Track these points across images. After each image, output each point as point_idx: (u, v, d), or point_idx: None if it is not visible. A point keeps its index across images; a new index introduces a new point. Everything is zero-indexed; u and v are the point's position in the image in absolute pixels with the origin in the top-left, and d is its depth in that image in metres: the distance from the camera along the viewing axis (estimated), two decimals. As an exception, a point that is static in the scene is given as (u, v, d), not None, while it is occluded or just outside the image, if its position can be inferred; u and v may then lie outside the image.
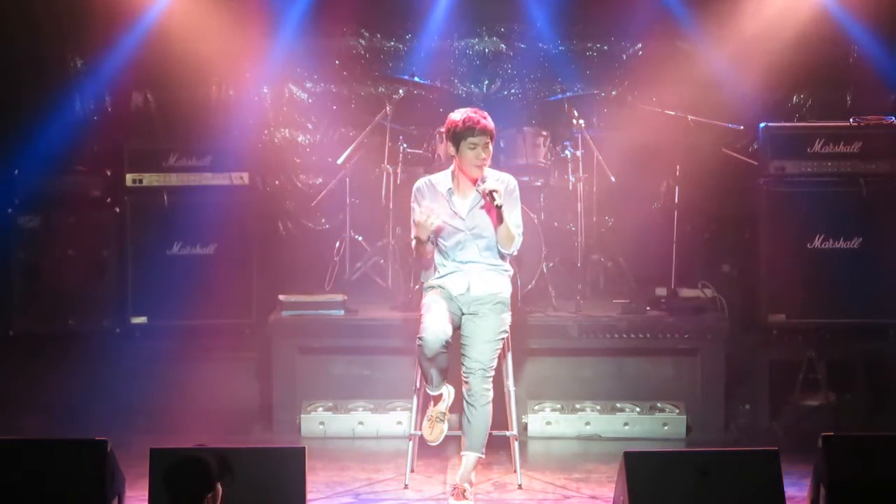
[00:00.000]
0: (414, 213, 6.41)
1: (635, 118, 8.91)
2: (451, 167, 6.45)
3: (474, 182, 6.35)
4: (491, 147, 6.34)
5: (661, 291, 8.22)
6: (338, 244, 8.91)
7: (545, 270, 8.15)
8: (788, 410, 7.96)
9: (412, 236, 6.40)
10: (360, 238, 8.90)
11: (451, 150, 6.36)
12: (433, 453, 6.99)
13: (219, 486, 4.78)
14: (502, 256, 6.44)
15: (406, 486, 6.58)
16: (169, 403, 7.77)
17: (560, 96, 8.81)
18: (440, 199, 6.41)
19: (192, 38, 8.75)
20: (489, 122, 6.32)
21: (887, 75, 8.78)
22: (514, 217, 6.37)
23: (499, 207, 6.24)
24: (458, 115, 6.35)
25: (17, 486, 5.38)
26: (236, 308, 8.11)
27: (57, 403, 7.79)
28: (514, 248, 6.41)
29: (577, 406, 7.78)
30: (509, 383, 6.65)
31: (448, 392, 6.48)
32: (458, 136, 6.30)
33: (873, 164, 8.02)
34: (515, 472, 6.63)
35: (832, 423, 7.35)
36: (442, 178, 6.48)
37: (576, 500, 6.45)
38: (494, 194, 6.22)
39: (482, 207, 6.36)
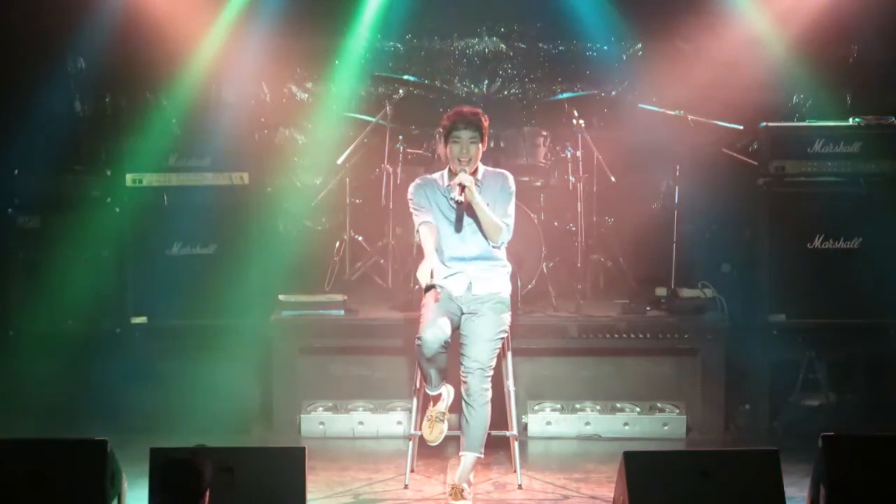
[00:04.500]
0: (414, 211, 6.43)
1: (635, 118, 8.92)
2: (449, 165, 6.45)
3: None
4: (479, 146, 6.31)
5: (661, 291, 8.22)
6: (338, 244, 8.92)
7: (545, 270, 8.15)
8: (788, 410, 7.96)
9: (416, 230, 6.43)
10: (360, 238, 8.91)
11: (443, 144, 6.39)
12: (433, 453, 6.99)
13: (208, 494, 4.78)
14: (496, 249, 6.44)
15: (406, 486, 6.58)
16: (169, 403, 7.77)
17: (560, 96, 8.81)
18: (438, 195, 6.41)
19: (192, 38, 8.75)
20: (478, 118, 6.30)
21: (887, 75, 8.78)
22: (504, 209, 6.36)
23: (459, 203, 6.23)
24: (451, 110, 6.40)
25: (17, 486, 5.38)
26: (236, 308, 8.09)
27: (57, 403, 7.79)
28: (502, 240, 6.40)
29: (577, 406, 7.78)
30: (509, 383, 6.65)
31: (447, 392, 6.48)
32: (446, 129, 6.35)
33: (873, 164, 8.02)
34: (515, 472, 6.63)
35: (832, 423, 7.35)
36: (438, 176, 6.49)
37: (576, 500, 6.45)
38: (463, 188, 6.19)
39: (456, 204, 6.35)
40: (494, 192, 6.36)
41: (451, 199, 6.28)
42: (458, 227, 6.39)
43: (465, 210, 6.33)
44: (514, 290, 6.80)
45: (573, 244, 8.48)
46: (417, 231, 6.44)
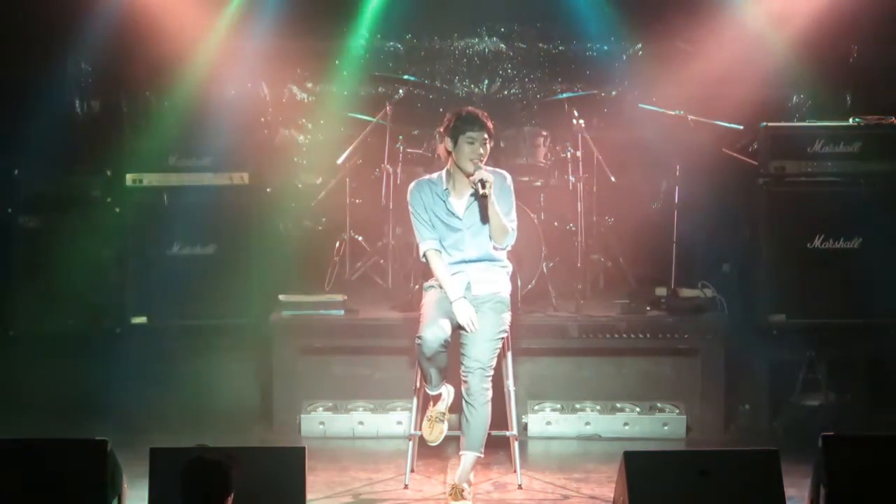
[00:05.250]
0: (414, 216, 6.41)
1: (635, 118, 8.92)
2: (447, 167, 6.44)
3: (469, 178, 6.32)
4: (489, 147, 6.33)
5: (661, 291, 8.22)
6: (338, 244, 8.91)
7: (545, 270, 8.15)
8: (788, 410, 7.96)
9: (421, 253, 6.43)
10: (360, 238, 8.91)
11: (449, 144, 6.33)
12: (433, 453, 6.99)
13: (231, 499, 4.80)
14: (498, 250, 6.44)
15: (406, 486, 6.58)
16: (169, 403, 7.78)
17: (560, 96, 8.81)
18: (437, 200, 6.40)
19: (192, 38, 8.75)
20: (488, 119, 6.33)
21: (887, 75, 8.78)
22: (504, 210, 6.34)
23: (484, 197, 6.21)
24: (458, 110, 6.38)
25: (17, 486, 5.38)
26: (236, 308, 8.10)
27: (57, 403, 7.79)
28: (507, 243, 6.39)
29: (577, 406, 7.78)
30: (509, 383, 6.65)
31: (447, 392, 6.48)
32: (457, 129, 6.29)
33: (873, 164, 8.02)
34: (515, 472, 6.63)
35: (832, 423, 7.35)
36: (437, 179, 6.47)
37: (576, 500, 6.46)
38: (486, 183, 6.18)
39: (476, 199, 6.33)
40: (494, 192, 6.34)
41: (473, 195, 6.27)
42: (483, 218, 6.34)
43: (480, 208, 6.31)
44: (514, 290, 6.80)
45: (573, 244, 8.48)
46: (423, 255, 6.43)
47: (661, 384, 7.87)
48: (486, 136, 6.29)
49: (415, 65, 9.61)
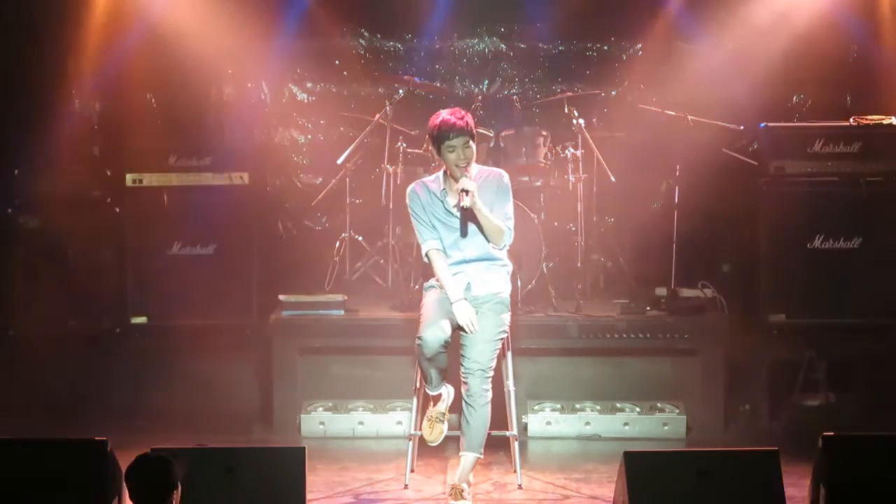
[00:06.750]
0: (413, 218, 6.40)
1: (635, 118, 8.92)
2: (443, 167, 6.43)
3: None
4: (472, 146, 6.26)
5: (661, 291, 8.22)
6: (338, 244, 8.91)
7: (545, 270, 8.15)
8: (788, 410, 7.96)
9: (423, 253, 6.41)
10: (360, 238, 8.91)
11: (435, 153, 6.34)
12: (433, 453, 6.99)
13: (177, 495, 4.77)
14: (497, 249, 6.43)
15: (406, 486, 6.58)
16: (169, 403, 7.78)
17: (560, 96, 8.81)
18: (434, 200, 6.39)
19: (192, 38, 8.75)
20: (466, 122, 6.24)
21: (887, 75, 8.78)
22: (503, 210, 6.32)
23: (464, 209, 6.18)
24: (435, 119, 6.30)
25: (17, 486, 5.38)
26: (236, 308, 8.11)
27: (57, 403, 7.79)
28: (504, 243, 6.37)
29: (577, 406, 7.78)
30: (509, 383, 6.64)
31: (447, 392, 6.48)
32: (436, 140, 6.26)
33: (873, 164, 8.03)
34: (515, 472, 6.63)
35: (832, 423, 7.34)
36: (434, 179, 6.45)
37: (576, 500, 6.46)
38: (468, 193, 6.13)
39: (464, 209, 6.31)
40: (490, 193, 6.30)
41: (456, 206, 6.26)
42: (463, 231, 6.34)
43: (467, 214, 6.30)
44: (514, 290, 6.79)
45: (573, 244, 8.48)
46: (426, 255, 6.39)
47: (661, 384, 7.87)
48: (466, 139, 6.24)
49: (415, 65, 9.61)
